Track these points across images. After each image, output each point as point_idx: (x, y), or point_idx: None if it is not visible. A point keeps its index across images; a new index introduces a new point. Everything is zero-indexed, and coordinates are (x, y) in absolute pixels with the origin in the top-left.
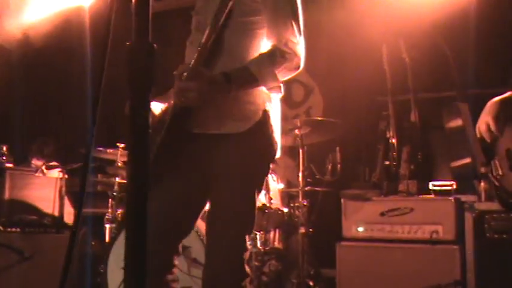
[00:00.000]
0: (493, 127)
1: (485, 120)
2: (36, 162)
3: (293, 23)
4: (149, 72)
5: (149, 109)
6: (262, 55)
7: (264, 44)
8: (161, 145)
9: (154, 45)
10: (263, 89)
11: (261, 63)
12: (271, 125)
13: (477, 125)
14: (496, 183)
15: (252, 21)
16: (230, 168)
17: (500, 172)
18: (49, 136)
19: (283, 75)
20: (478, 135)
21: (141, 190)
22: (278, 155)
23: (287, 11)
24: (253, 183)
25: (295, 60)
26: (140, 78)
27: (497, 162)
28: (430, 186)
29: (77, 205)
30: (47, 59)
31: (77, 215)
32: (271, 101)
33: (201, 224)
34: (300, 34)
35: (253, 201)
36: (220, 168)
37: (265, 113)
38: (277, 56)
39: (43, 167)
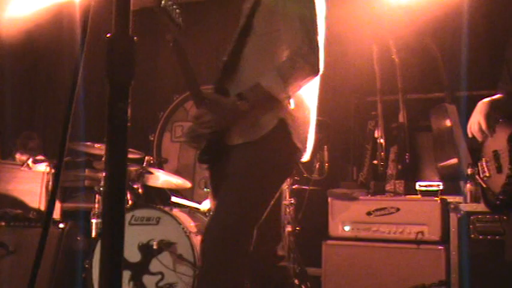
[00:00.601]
0: (484, 126)
1: (476, 120)
2: (20, 157)
3: (303, 30)
4: (129, 65)
5: (128, 102)
6: (274, 69)
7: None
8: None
9: (135, 38)
10: None
11: (272, 78)
12: (289, 132)
13: (468, 125)
14: (483, 185)
15: (271, 38)
16: (237, 170)
17: (487, 173)
18: (33, 130)
19: (297, 84)
20: (470, 135)
21: (119, 184)
22: (306, 158)
23: (294, 20)
24: (255, 187)
25: (307, 68)
26: (119, 71)
27: (484, 163)
28: (417, 187)
29: (63, 199)
30: (36, 52)
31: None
32: (289, 108)
33: (187, 220)
34: (313, 40)
35: (248, 201)
36: (229, 171)
37: (282, 121)
38: (287, 67)
39: (29, 161)
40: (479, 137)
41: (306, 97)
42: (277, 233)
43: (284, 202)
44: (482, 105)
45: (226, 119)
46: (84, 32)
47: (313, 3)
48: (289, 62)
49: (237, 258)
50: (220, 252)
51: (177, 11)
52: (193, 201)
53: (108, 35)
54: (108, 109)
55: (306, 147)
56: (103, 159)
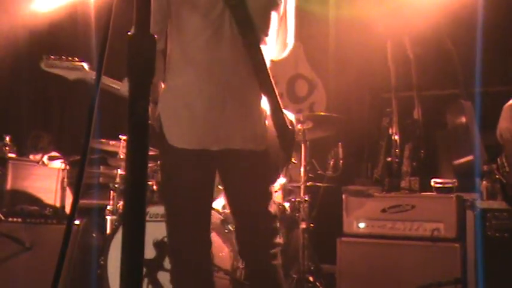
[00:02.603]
0: None
1: (506, 127)
2: (34, 157)
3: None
4: (149, 63)
5: (148, 100)
6: None
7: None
8: None
9: (155, 36)
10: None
11: None
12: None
13: (499, 131)
14: (503, 180)
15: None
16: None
17: (507, 169)
18: (42, 129)
19: None
20: (501, 141)
21: (139, 182)
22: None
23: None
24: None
25: None
26: (140, 69)
27: (504, 159)
28: (432, 184)
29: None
30: (52, 49)
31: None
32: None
33: None
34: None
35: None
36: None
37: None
38: None
39: (44, 159)
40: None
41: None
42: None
43: (298, 199)
44: (510, 110)
45: None
46: (106, 30)
47: None
48: None
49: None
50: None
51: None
52: None
53: (128, 33)
54: (129, 107)
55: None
56: (118, 156)
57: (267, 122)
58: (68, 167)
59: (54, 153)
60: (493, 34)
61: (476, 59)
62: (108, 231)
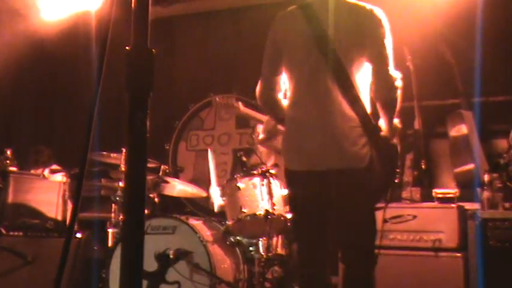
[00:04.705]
0: None
1: None
2: (35, 172)
3: None
4: (148, 77)
5: (147, 113)
6: None
7: None
8: None
9: (153, 50)
10: None
11: None
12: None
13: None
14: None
15: None
16: None
17: None
18: (43, 143)
19: None
20: None
21: (138, 194)
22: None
23: None
24: None
25: None
26: (138, 83)
27: None
28: (433, 194)
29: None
30: (54, 63)
31: (72, 219)
32: None
33: (203, 229)
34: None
35: None
36: None
37: None
38: None
39: (45, 172)
40: None
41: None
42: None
43: None
44: None
45: None
46: (104, 45)
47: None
48: None
49: None
50: None
51: None
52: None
53: (127, 48)
54: (128, 119)
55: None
56: (119, 168)
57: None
58: (69, 180)
59: (55, 167)
60: (493, 43)
61: (476, 69)
62: (109, 244)
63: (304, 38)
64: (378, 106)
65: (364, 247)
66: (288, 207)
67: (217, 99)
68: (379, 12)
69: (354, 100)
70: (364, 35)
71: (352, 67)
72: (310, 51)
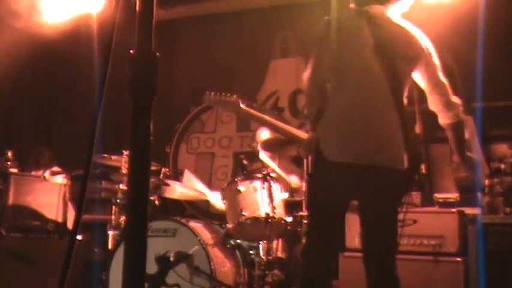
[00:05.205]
0: None
1: None
2: (36, 174)
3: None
4: (151, 81)
5: (150, 117)
6: None
7: None
8: None
9: (157, 54)
10: None
11: None
12: None
13: None
14: None
15: None
16: None
17: None
18: (44, 144)
19: None
20: None
21: (141, 198)
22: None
23: None
24: None
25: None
26: (142, 87)
27: None
28: (434, 198)
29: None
30: (55, 64)
31: (76, 221)
32: None
33: (203, 232)
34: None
35: None
36: None
37: None
38: None
39: (46, 174)
40: None
41: None
42: None
43: (300, 213)
44: None
45: None
46: (108, 48)
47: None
48: None
49: None
50: None
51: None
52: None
53: (131, 51)
54: (131, 124)
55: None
56: (120, 170)
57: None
58: (69, 182)
59: (56, 168)
60: (495, 47)
61: (477, 73)
62: (110, 246)
63: (363, 39)
64: (443, 110)
65: (391, 247)
66: (306, 199)
67: (211, 95)
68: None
69: (402, 106)
70: (415, 47)
71: (402, 76)
72: (367, 52)
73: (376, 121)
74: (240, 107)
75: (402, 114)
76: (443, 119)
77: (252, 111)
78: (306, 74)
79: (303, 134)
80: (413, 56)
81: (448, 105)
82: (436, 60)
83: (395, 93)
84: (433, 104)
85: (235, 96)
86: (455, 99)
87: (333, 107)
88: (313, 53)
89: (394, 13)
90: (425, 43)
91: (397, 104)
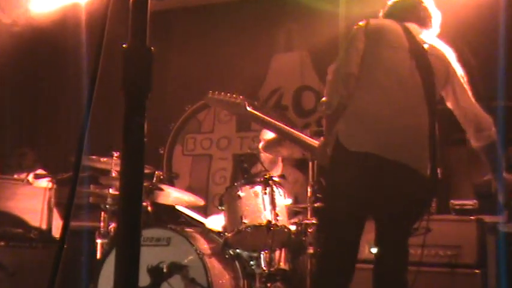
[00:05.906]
0: None
1: None
2: (19, 176)
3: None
4: (145, 77)
5: (144, 115)
6: None
7: None
8: None
9: (152, 48)
10: None
11: None
12: None
13: None
14: None
15: None
16: None
17: None
18: (27, 145)
19: None
20: None
21: (134, 203)
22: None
23: None
24: None
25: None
26: (136, 83)
27: None
28: (450, 205)
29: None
30: (39, 60)
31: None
32: None
33: (200, 241)
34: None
35: None
36: None
37: None
38: None
39: (29, 177)
40: None
41: None
42: None
43: (305, 221)
44: None
45: None
46: (100, 42)
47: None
48: None
49: None
50: None
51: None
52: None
53: (123, 45)
54: (124, 123)
55: None
56: (110, 174)
57: None
58: (55, 186)
59: (40, 171)
60: None
61: (498, 70)
62: (98, 255)
63: (400, 40)
64: (474, 134)
65: (405, 251)
66: (323, 196)
67: (214, 95)
68: None
69: (434, 112)
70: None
71: (436, 84)
72: (402, 53)
73: (406, 119)
74: (246, 109)
75: (433, 120)
76: (476, 142)
77: (259, 114)
78: (333, 66)
79: (313, 142)
80: (442, 76)
81: (479, 126)
82: (465, 83)
83: (429, 98)
84: (464, 126)
85: (241, 97)
86: (487, 119)
87: (358, 103)
88: (343, 47)
89: (428, 38)
90: (455, 66)
91: (430, 108)
